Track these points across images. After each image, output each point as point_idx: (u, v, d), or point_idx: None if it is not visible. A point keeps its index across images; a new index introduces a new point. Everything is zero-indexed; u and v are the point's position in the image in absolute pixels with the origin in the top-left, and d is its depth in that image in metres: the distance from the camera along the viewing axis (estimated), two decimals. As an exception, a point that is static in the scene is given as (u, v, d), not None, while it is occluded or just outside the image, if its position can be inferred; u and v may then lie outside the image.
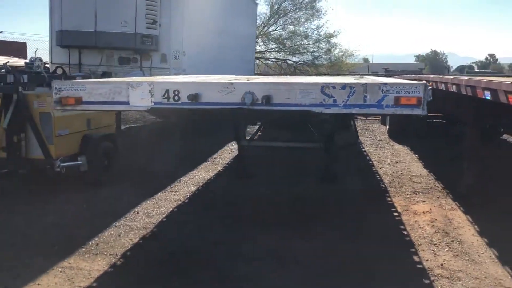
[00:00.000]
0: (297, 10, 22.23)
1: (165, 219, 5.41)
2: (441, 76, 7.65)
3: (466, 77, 5.58)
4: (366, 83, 3.10)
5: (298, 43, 22.48)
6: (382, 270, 4.11)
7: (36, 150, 5.98)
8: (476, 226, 5.24)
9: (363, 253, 4.48)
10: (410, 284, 3.90)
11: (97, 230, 4.92)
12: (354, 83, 3.12)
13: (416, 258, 4.41)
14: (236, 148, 10.07)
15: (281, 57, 23.16)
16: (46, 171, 5.94)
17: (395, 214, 5.71)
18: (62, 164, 5.84)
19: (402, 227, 5.26)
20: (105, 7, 8.72)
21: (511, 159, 9.59)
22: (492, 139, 10.90)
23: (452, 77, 6.42)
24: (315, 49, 22.59)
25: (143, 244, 4.66)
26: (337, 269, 4.13)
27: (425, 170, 8.16)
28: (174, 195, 6.37)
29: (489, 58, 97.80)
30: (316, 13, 22.35)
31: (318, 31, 22.47)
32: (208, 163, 8.60)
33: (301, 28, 22.40)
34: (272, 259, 4.30)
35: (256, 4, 17.28)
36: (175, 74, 9.15)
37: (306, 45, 22.50)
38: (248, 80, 3.82)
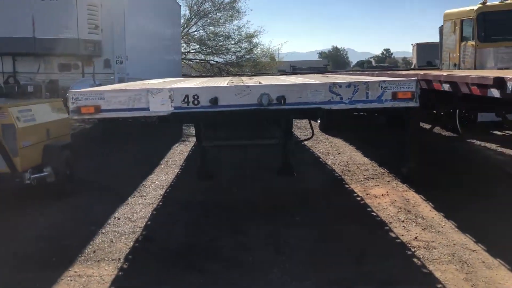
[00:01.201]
0: (217, 11, 22.61)
1: (149, 222, 5.50)
2: (388, 72, 8.41)
3: (422, 72, 6.29)
4: (368, 81, 3.54)
5: (220, 43, 22.84)
6: (369, 246, 4.62)
7: (-1, 163, 5.75)
8: (430, 203, 5.95)
9: (346, 234, 4.97)
10: (396, 255, 4.42)
11: (86, 238, 4.91)
12: (358, 82, 3.54)
13: (392, 234, 4.97)
14: (183, 151, 10.26)
15: (204, 57, 23.39)
16: (14, 185, 5.74)
17: (359, 198, 6.29)
18: (32, 176, 5.69)
19: (369, 209, 5.83)
20: (43, 12, 8.43)
21: (437, 145, 10.68)
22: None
23: (404, 72, 7.14)
24: (237, 49, 23.15)
25: (140, 247, 4.76)
26: (328, 250, 4.56)
27: (366, 158, 8.89)
28: (145, 199, 6.43)
29: (384, 52, 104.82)
30: (236, 14, 22.89)
31: (239, 32, 23.09)
32: (162, 166, 8.66)
33: (221, 29, 22.84)
34: (267, 246, 4.63)
35: (180, 6, 17.34)
36: (119, 79, 9.09)
37: (228, 46, 22.96)
38: (243, 82, 4.09)
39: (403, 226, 5.18)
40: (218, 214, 5.69)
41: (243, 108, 3.58)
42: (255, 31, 23.96)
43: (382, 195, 6.37)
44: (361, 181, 7.16)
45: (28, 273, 4.10)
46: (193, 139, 12.03)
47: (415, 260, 4.32)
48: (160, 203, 6.26)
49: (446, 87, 4.65)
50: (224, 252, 4.54)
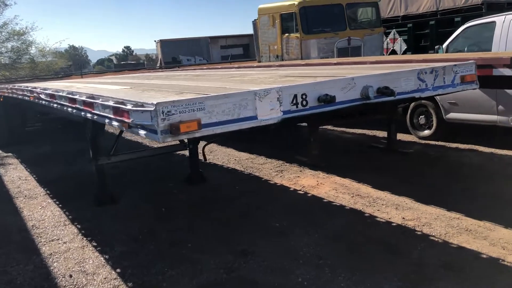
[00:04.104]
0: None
1: (118, 270, 4.19)
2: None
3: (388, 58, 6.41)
4: (444, 66, 3.43)
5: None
6: (379, 237, 4.55)
7: None
8: (365, 184, 6.19)
9: (345, 231, 4.78)
10: (415, 239, 4.47)
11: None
12: (438, 67, 3.39)
13: (381, 219, 5.01)
14: (23, 176, 8.20)
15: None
16: None
17: (301, 192, 6.12)
18: None
19: (325, 200, 5.74)
20: None
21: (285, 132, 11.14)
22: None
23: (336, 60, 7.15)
24: (6, 50, 19.05)
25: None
26: (353, 251, 4.31)
27: (245, 153, 8.65)
28: (65, 242, 4.91)
29: (126, 50, 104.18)
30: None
31: (5, 29, 19.02)
32: (22, 198, 6.72)
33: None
34: (301, 264, 4.12)
35: None
36: None
37: (-10, 46, 18.72)
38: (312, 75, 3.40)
39: (378, 210, 5.28)
40: (189, 241, 4.74)
41: (351, 104, 3.03)
42: (26, 28, 20.42)
43: (317, 185, 6.35)
44: (277, 175, 6.99)
45: None
46: (11, 160, 9.74)
47: (433, 238, 4.46)
48: (95, 243, 4.85)
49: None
50: (264, 281, 3.83)
